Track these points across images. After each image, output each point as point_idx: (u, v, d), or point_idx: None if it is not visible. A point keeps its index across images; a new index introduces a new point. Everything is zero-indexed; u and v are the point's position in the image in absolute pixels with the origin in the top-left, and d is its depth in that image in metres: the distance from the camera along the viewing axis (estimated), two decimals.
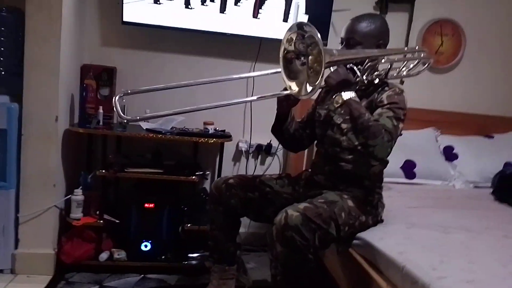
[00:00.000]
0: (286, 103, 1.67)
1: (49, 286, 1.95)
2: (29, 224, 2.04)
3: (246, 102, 2.49)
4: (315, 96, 1.80)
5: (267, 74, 1.66)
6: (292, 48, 1.47)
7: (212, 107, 1.56)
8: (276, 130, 1.80)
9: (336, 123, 1.71)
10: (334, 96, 1.57)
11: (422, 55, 1.71)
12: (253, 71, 2.54)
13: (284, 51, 1.48)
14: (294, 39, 1.46)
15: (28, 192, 2.03)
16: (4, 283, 1.95)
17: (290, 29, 1.46)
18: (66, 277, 2.05)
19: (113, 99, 1.39)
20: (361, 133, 1.48)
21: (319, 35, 1.37)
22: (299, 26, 1.43)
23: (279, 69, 1.51)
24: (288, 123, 1.77)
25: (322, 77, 1.37)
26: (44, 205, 2.05)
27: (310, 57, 1.44)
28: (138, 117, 1.46)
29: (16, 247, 2.05)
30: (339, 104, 1.55)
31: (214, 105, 1.54)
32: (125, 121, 1.43)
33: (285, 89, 1.54)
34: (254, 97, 1.80)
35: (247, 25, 2.41)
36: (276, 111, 1.74)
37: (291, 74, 1.49)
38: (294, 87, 1.48)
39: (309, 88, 1.42)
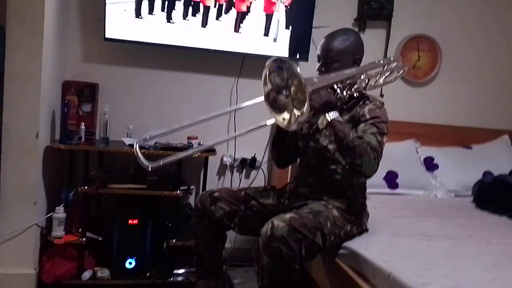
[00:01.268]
0: None
1: None
2: (9, 244, 1.99)
3: (229, 113, 2.49)
4: None
5: (253, 104, 1.63)
6: (270, 86, 1.46)
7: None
8: (277, 146, 1.81)
9: (323, 145, 1.72)
10: (318, 119, 1.58)
11: (397, 65, 1.76)
12: (236, 86, 2.57)
13: (266, 93, 1.47)
14: (267, 76, 1.46)
15: (8, 210, 1.99)
16: None
17: (265, 67, 1.44)
18: None
19: (135, 148, 1.40)
20: (347, 153, 1.51)
21: (297, 68, 1.37)
22: (276, 61, 1.42)
23: (261, 99, 1.51)
24: (288, 139, 1.78)
25: (308, 105, 1.36)
26: (24, 223, 2.00)
27: (292, 88, 1.44)
28: (160, 163, 1.42)
29: None
30: (324, 126, 1.56)
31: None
32: (149, 168, 1.39)
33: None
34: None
35: (229, 40, 2.44)
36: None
37: (280, 109, 1.47)
38: (286, 116, 1.46)
39: (297, 117, 1.41)
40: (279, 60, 1.42)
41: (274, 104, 1.48)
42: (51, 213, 2.11)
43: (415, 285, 1.25)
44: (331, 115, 1.52)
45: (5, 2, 1.92)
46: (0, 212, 1.98)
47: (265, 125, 1.62)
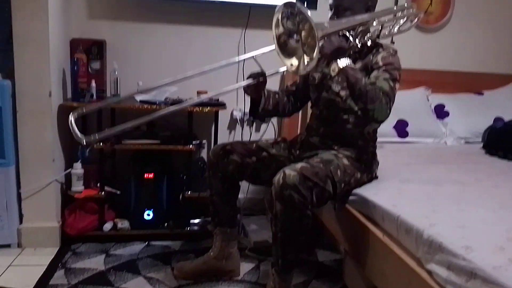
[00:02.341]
0: (254, 88, 1.70)
1: (56, 257, 2.01)
2: (31, 199, 2.08)
3: (238, 67, 2.48)
4: None
5: (261, 53, 1.63)
6: (281, 30, 1.47)
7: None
8: (254, 113, 1.81)
9: (335, 91, 1.73)
10: (330, 64, 1.58)
11: (411, 11, 1.72)
12: (244, 38, 2.54)
13: (277, 36, 1.48)
14: (280, 19, 1.46)
15: (27, 168, 2.06)
16: (12, 257, 2.00)
17: (277, 11, 1.45)
18: (73, 248, 2.11)
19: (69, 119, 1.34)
20: (360, 98, 1.50)
21: (308, 12, 1.36)
22: (286, 5, 1.42)
23: (272, 47, 1.51)
24: (264, 105, 1.78)
25: (318, 51, 1.37)
26: (44, 180, 2.08)
27: (303, 33, 1.44)
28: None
29: (20, 222, 2.10)
30: (335, 73, 1.55)
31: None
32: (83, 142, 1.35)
33: (255, 75, 1.60)
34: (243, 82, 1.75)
35: None
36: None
37: (289, 53, 1.49)
38: (294, 62, 1.48)
39: (306, 62, 1.43)
40: (289, 4, 1.42)
41: (284, 47, 1.49)
42: (70, 170, 2.18)
43: (422, 226, 1.29)
44: (343, 62, 1.52)
45: None
46: (21, 170, 2.06)
47: (277, 72, 1.63)
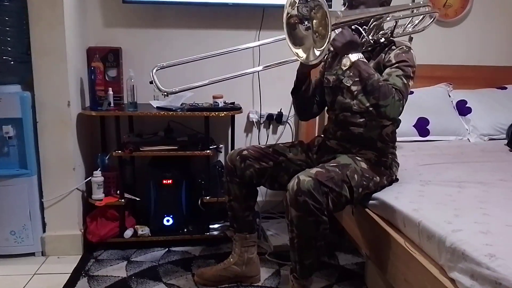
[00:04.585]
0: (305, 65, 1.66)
1: (79, 265, 2.04)
2: (54, 208, 2.12)
3: (252, 73, 2.48)
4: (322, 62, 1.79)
5: (271, 42, 1.67)
6: (295, 12, 1.46)
7: (226, 79, 1.64)
8: (296, 91, 1.80)
9: (346, 85, 1.70)
10: (341, 59, 1.56)
11: (427, 10, 1.68)
12: (258, 39, 2.52)
13: (287, 16, 1.47)
14: (297, 2, 1.44)
15: (49, 177, 2.10)
16: (37, 265, 2.05)
17: None
18: (95, 255, 2.14)
19: (151, 73, 1.53)
20: (372, 94, 1.47)
21: None
22: None
23: (282, 37, 1.50)
24: (307, 84, 1.78)
25: (328, 40, 1.36)
26: (66, 189, 2.12)
27: (314, 21, 1.42)
28: (176, 89, 1.55)
29: (44, 230, 2.14)
30: (347, 67, 1.53)
31: (228, 76, 1.64)
32: (165, 93, 1.53)
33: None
34: (260, 67, 1.80)
35: None
36: (296, 73, 1.76)
37: (296, 40, 1.48)
38: (301, 53, 1.47)
39: (317, 53, 1.42)
40: None
41: (292, 32, 1.47)
42: (90, 178, 2.21)
43: (445, 232, 1.26)
44: (355, 56, 1.49)
45: None
46: (43, 179, 2.10)
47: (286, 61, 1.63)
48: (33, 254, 2.12)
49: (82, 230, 2.19)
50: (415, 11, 1.71)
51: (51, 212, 2.13)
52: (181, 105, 2.25)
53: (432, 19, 1.69)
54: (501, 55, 2.80)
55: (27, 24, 1.99)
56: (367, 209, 1.70)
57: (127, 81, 2.27)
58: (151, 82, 1.52)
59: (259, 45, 1.79)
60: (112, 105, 2.21)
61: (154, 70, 1.52)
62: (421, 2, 1.70)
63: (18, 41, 2.03)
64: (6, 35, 2.01)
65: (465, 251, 1.14)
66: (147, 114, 2.21)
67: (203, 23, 2.51)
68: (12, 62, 2.03)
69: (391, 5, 1.69)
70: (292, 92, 1.82)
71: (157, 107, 2.25)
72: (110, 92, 2.23)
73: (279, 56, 1.65)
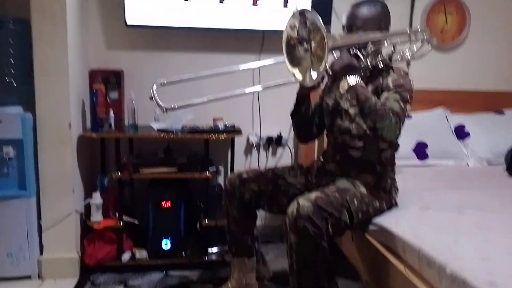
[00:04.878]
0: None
1: None
2: (52, 230, 2.11)
3: (252, 92, 2.49)
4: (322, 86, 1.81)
5: (271, 63, 1.70)
6: (295, 34, 1.49)
7: (226, 97, 1.69)
8: (295, 113, 1.82)
9: (344, 108, 1.72)
10: (340, 82, 1.58)
11: (424, 36, 1.71)
12: None
13: (287, 37, 1.50)
14: (297, 25, 1.48)
15: (48, 198, 2.09)
16: None
17: (292, 16, 1.48)
18: (92, 278, 2.12)
19: (151, 89, 1.52)
20: (369, 116, 1.49)
21: (321, 21, 1.39)
22: (302, 13, 1.45)
23: (282, 58, 1.53)
24: (306, 107, 1.80)
25: (325, 62, 1.39)
26: (64, 211, 2.10)
27: (312, 43, 1.46)
28: (175, 105, 1.54)
29: (41, 253, 2.12)
30: (345, 90, 1.56)
31: (228, 94, 1.68)
32: (165, 109, 1.52)
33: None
34: (259, 86, 1.81)
35: (247, 14, 2.41)
36: (296, 95, 1.78)
37: (294, 61, 1.52)
38: (297, 74, 1.50)
39: (313, 75, 1.44)
40: (304, 12, 1.44)
41: (292, 52, 1.50)
42: (89, 199, 2.20)
43: (445, 259, 1.25)
44: (353, 79, 1.52)
45: None
46: (41, 201, 2.09)
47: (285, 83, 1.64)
48: (29, 277, 2.09)
49: (80, 253, 2.17)
50: (412, 37, 1.74)
51: (48, 234, 2.11)
52: (182, 127, 2.26)
53: (430, 45, 1.72)
54: (497, 80, 2.83)
55: (30, 46, 2.01)
56: (366, 234, 1.69)
57: (128, 103, 2.28)
58: (151, 98, 1.52)
59: (260, 66, 1.82)
60: (113, 127, 2.22)
61: (155, 87, 1.53)
62: (419, 28, 1.73)
63: (20, 63, 2.05)
64: (9, 57, 2.03)
65: (466, 280, 1.13)
66: (147, 136, 2.22)
67: (205, 47, 2.54)
68: (14, 83, 2.05)
69: (389, 31, 1.72)
70: (292, 114, 1.84)
71: (157, 129, 2.26)
72: (111, 114, 2.24)
73: (278, 77, 1.67)
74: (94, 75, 2.34)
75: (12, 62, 2.04)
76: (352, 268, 2.10)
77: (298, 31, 1.48)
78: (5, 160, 2.02)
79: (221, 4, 2.38)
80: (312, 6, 2.45)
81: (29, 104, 2.07)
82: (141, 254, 2.22)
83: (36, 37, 2.00)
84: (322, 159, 1.89)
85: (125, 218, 2.23)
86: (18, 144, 2.03)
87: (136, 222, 2.27)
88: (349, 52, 1.57)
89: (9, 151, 2.02)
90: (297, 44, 1.50)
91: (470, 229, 1.46)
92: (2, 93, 2.04)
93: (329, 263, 1.50)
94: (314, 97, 1.95)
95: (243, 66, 1.83)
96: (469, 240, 1.36)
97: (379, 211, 1.67)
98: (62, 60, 2.04)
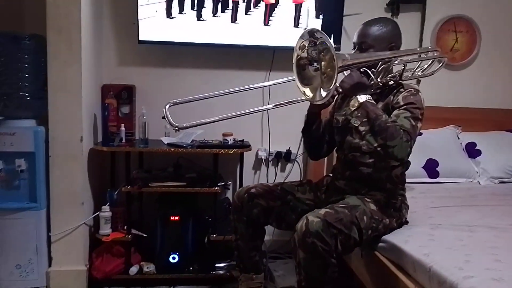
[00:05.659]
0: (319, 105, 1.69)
1: None
2: (60, 242, 2.11)
3: (263, 110, 2.52)
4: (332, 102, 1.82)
5: (282, 82, 1.71)
6: (305, 54, 1.51)
7: (238, 116, 1.68)
8: (306, 130, 1.83)
9: (354, 126, 1.72)
10: (350, 100, 1.59)
11: (435, 55, 1.71)
12: (268, 80, 2.58)
13: (297, 58, 1.52)
14: (306, 46, 1.49)
15: (58, 211, 2.11)
16: None
17: (302, 37, 1.50)
18: None
19: (164, 109, 1.55)
20: (379, 134, 1.49)
21: (331, 41, 1.41)
22: (311, 33, 1.47)
23: (293, 77, 1.54)
24: (317, 124, 1.81)
25: (335, 81, 1.40)
26: (74, 223, 2.12)
27: (323, 63, 1.47)
28: (187, 125, 1.59)
29: (49, 265, 2.13)
30: (355, 108, 1.56)
31: (240, 113, 1.69)
32: (177, 128, 1.57)
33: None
34: (270, 106, 1.84)
35: (259, 33, 2.45)
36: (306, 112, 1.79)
37: (305, 80, 1.53)
38: (308, 92, 1.51)
39: (323, 93, 1.45)
40: (313, 32, 1.45)
41: (302, 72, 1.52)
42: (98, 213, 2.22)
43: (456, 278, 1.23)
44: (363, 97, 1.52)
45: (45, 14, 2.01)
46: (51, 213, 2.10)
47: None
48: None
49: (88, 266, 2.17)
50: (423, 55, 1.74)
51: (57, 247, 2.12)
52: (191, 142, 2.28)
53: (441, 64, 1.73)
54: (507, 98, 2.82)
55: (45, 62, 2.05)
56: (376, 252, 1.67)
57: (139, 117, 2.31)
58: (163, 117, 1.55)
59: (271, 85, 1.84)
60: (123, 141, 2.25)
61: (167, 106, 1.55)
62: (429, 47, 1.74)
63: (35, 78, 2.09)
64: (24, 72, 2.08)
65: None
66: (157, 151, 2.24)
67: (215, 63, 2.58)
68: (28, 98, 2.09)
69: (401, 49, 1.73)
70: (303, 131, 1.85)
71: (167, 143, 2.28)
72: (122, 128, 2.27)
73: (288, 96, 1.69)
74: (106, 90, 2.39)
75: (27, 76, 2.09)
76: (361, 285, 2.07)
77: (308, 51, 1.49)
78: (17, 172, 2.05)
79: (233, 24, 2.43)
80: (323, 25, 2.48)
81: (42, 118, 2.11)
82: (149, 268, 2.22)
83: (51, 53, 2.05)
84: (331, 176, 1.88)
85: (133, 231, 2.23)
86: (30, 156, 2.05)
87: (145, 235, 2.28)
88: (359, 69, 1.58)
89: (21, 163, 2.05)
90: (307, 64, 1.52)
91: (481, 249, 1.44)
92: (16, 107, 2.08)
93: (338, 281, 1.49)
94: (325, 113, 1.96)
95: (256, 85, 1.83)
96: (480, 259, 1.34)
97: (389, 229, 1.66)
98: (76, 77, 2.08)
